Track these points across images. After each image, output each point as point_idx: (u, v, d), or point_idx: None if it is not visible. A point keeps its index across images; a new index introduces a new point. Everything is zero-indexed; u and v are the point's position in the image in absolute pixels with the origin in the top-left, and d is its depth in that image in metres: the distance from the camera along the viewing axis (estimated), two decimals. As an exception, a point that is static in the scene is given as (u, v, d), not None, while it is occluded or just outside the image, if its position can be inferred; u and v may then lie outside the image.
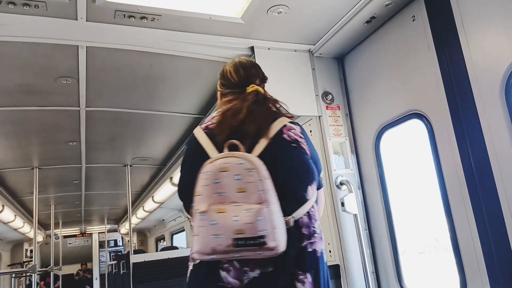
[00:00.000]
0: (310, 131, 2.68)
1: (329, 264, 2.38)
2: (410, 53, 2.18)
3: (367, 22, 2.31)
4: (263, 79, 1.60)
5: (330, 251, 2.50)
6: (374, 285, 2.33)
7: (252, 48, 2.52)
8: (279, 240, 1.15)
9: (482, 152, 1.79)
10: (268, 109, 1.45)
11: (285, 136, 1.35)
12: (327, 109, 2.59)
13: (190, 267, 1.30)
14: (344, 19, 2.30)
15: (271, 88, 2.46)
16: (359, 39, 2.50)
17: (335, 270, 2.41)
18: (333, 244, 2.46)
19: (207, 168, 1.21)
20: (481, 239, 1.80)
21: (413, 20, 2.14)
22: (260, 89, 1.52)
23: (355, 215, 2.38)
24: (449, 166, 1.96)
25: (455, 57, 1.92)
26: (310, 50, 2.64)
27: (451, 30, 1.93)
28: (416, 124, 2.17)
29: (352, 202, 2.39)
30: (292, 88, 2.57)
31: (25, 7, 1.97)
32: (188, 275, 1.30)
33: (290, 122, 1.41)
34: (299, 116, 2.68)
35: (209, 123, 1.39)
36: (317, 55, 2.65)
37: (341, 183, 2.47)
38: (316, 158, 1.41)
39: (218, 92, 1.56)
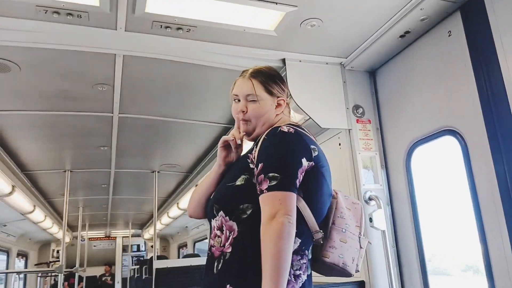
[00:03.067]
0: (339, 144, 2.67)
1: (354, 280, 2.37)
2: (445, 69, 2.14)
3: (401, 36, 2.29)
4: None
5: (356, 266, 2.46)
6: (401, 304, 2.28)
7: (283, 60, 2.54)
8: None
9: (520, 174, 1.73)
10: None
11: None
12: (357, 122, 2.57)
13: None
14: (377, 33, 2.29)
15: (302, 101, 2.49)
16: (392, 53, 2.48)
17: (360, 286, 2.37)
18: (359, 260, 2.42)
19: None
20: (517, 263, 1.73)
21: (449, 36, 2.11)
22: None
23: (383, 232, 2.33)
24: (484, 186, 1.90)
25: (493, 74, 1.87)
26: (342, 63, 2.64)
27: (489, 46, 1.88)
28: (449, 141, 2.12)
29: (381, 218, 2.35)
30: (323, 101, 2.57)
31: (68, 17, 2.05)
32: None
33: None
34: (329, 128, 2.68)
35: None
36: (348, 68, 2.64)
37: (370, 198, 2.43)
38: None
39: (285, 100, 1.53)
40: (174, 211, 7.61)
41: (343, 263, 1.35)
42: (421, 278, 2.23)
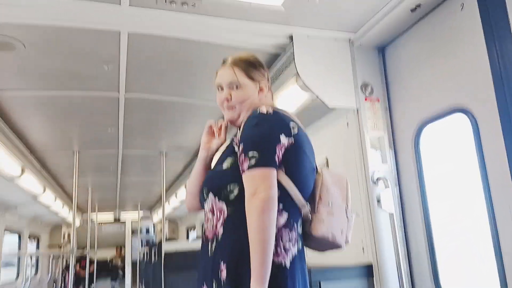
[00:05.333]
0: (347, 124, 2.62)
1: (362, 263, 2.35)
2: (457, 45, 2.08)
3: (412, 10, 2.20)
4: None
5: (363, 249, 2.44)
6: (408, 285, 2.26)
7: (291, 37, 2.48)
8: None
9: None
10: None
11: None
12: (365, 101, 2.52)
13: None
14: (388, 6, 2.21)
15: (309, 77, 2.44)
16: (403, 29, 2.40)
17: (368, 269, 2.36)
18: (367, 242, 2.40)
19: None
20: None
21: (461, 9, 2.03)
22: None
23: (390, 214, 2.31)
24: (495, 166, 1.86)
25: (507, 52, 1.81)
26: (350, 39, 2.57)
27: (503, 21, 1.82)
28: (459, 120, 2.07)
29: (389, 199, 2.33)
30: (331, 79, 2.52)
31: (71, -9, 2.02)
32: None
33: None
34: (336, 108, 2.63)
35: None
36: (357, 45, 2.57)
37: (378, 179, 2.40)
38: None
39: (267, 85, 1.57)
40: (182, 192, 7.64)
41: (332, 235, 1.41)
42: (429, 258, 2.20)
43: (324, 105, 2.50)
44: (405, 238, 2.37)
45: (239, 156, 1.33)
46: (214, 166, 1.47)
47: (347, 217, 1.49)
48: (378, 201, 2.36)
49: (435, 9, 2.20)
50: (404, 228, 2.38)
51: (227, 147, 1.47)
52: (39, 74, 2.99)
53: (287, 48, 2.57)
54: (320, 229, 1.39)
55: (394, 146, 2.51)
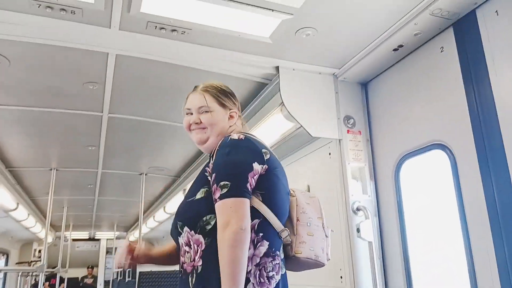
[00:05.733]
0: (329, 154, 2.67)
1: (339, 291, 2.36)
2: (437, 84, 2.16)
3: (395, 50, 2.30)
4: None
5: (341, 277, 2.45)
6: (386, 315, 2.27)
7: (277, 68, 2.54)
8: None
9: (507, 191, 1.74)
10: None
11: None
12: (348, 133, 2.58)
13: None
14: (371, 45, 2.31)
15: (294, 109, 2.49)
16: (385, 66, 2.50)
17: (346, 297, 2.36)
18: (345, 269, 2.42)
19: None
20: (501, 280, 1.73)
21: (441, 51, 2.13)
22: None
23: (369, 242, 2.33)
24: (472, 201, 1.91)
25: (484, 93, 1.89)
26: (335, 73, 2.65)
27: (481, 63, 1.91)
28: (439, 155, 2.13)
29: (368, 229, 2.36)
30: (314, 110, 2.57)
31: (62, 12, 2.03)
32: None
33: None
34: (319, 138, 2.68)
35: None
36: (341, 79, 2.66)
37: (358, 209, 2.43)
38: None
39: (237, 113, 1.60)
40: (160, 214, 7.52)
41: (315, 255, 1.43)
42: (406, 290, 2.22)
43: (308, 135, 2.54)
44: (383, 266, 2.39)
45: (212, 186, 1.33)
46: (186, 196, 1.45)
47: (325, 235, 1.51)
48: (358, 230, 2.38)
49: (416, 50, 2.30)
50: (383, 257, 2.41)
51: (199, 176, 1.45)
52: (22, 90, 2.94)
53: (273, 78, 2.62)
54: (304, 251, 1.40)
55: (375, 177, 2.56)
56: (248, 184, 1.30)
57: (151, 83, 2.87)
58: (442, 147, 2.10)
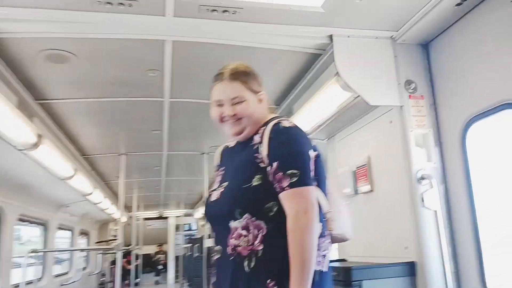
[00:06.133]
0: (391, 122, 2.60)
1: (404, 261, 2.33)
2: (506, 39, 2.00)
3: (458, 4, 2.15)
4: None
5: (406, 247, 2.42)
6: (454, 285, 2.21)
7: (330, 37, 2.48)
8: None
9: None
10: None
11: None
12: (409, 98, 2.48)
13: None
14: (431, 2, 2.17)
15: (350, 78, 2.44)
16: (447, 24, 2.34)
17: (411, 267, 2.33)
18: (410, 240, 2.38)
19: None
20: None
21: (511, 1, 1.96)
22: None
23: (435, 211, 2.27)
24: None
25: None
26: (393, 36, 2.54)
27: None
28: (509, 116, 2.00)
29: (433, 198, 2.29)
30: (372, 77, 2.50)
31: (120, 6, 2.13)
32: None
33: None
34: (379, 106, 2.61)
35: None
36: (400, 42, 2.53)
37: (422, 178, 2.36)
38: None
39: (265, 94, 1.55)
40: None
41: (343, 231, 1.51)
42: (476, 258, 2.15)
43: (366, 104, 2.49)
44: (451, 236, 2.32)
45: (274, 174, 1.33)
46: (234, 181, 1.43)
47: (346, 209, 1.57)
48: (422, 199, 2.33)
49: (482, 2, 2.13)
50: (450, 226, 2.33)
51: (244, 162, 1.45)
52: (89, 83, 3.16)
53: (327, 48, 2.58)
54: (335, 227, 1.47)
55: (440, 143, 2.46)
56: (312, 172, 1.35)
57: (208, 66, 2.90)
58: (515, 107, 1.97)
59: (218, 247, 1.44)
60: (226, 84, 1.48)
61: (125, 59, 2.80)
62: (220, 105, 1.49)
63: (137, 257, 11.40)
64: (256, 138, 1.45)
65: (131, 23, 2.29)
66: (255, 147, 1.43)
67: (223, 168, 1.57)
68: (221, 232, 1.43)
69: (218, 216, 1.44)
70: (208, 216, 1.53)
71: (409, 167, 2.40)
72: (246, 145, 1.48)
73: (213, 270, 1.48)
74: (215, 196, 1.46)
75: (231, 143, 1.63)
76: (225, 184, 1.45)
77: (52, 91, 3.20)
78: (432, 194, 2.28)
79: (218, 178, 1.54)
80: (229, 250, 1.38)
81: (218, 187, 1.49)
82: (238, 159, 1.50)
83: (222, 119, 1.49)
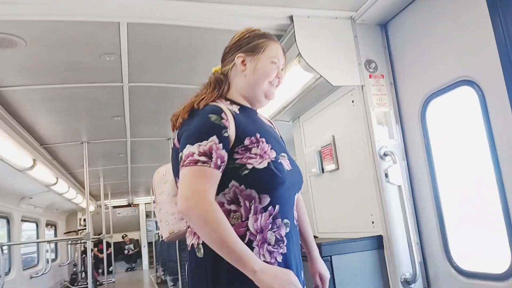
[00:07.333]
0: (352, 101, 2.62)
1: (371, 234, 2.40)
2: (460, 17, 2.04)
3: (414, -16, 2.17)
4: (221, 60, 1.62)
5: (373, 222, 2.48)
6: (418, 255, 2.30)
7: (291, 18, 2.45)
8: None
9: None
10: (194, 97, 1.48)
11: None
12: (370, 78, 2.50)
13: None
14: (389, -18, 2.18)
15: (312, 59, 2.43)
16: (404, 4, 2.35)
17: (378, 240, 2.41)
18: (376, 215, 2.44)
19: None
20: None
21: (466, -20, 1.99)
22: (213, 71, 1.58)
23: (399, 187, 2.33)
24: (503, 137, 1.85)
25: (511, 21, 1.77)
26: (352, 17, 2.53)
27: (507, -9, 1.78)
28: (466, 92, 2.05)
29: (397, 173, 2.34)
30: (334, 57, 2.49)
31: (68, -14, 2.01)
32: None
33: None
34: (341, 86, 2.62)
35: None
36: (359, 22, 2.53)
37: (385, 154, 2.41)
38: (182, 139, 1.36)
39: None
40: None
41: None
42: (438, 229, 2.23)
43: (329, 84, 2.49)
44: (415, 210, 2.40)
45: None
46: (287, 152, 1.46)
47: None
48: (386, 175, 2.38)
49: (436, -18, 2.15)
50: (414, 200, 2.41)
51: (278, 137, 1.53)
52: (42, 69, 3.00)
53: (288, 29, 2.54)
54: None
55: (400, 120, 2.51)
56: None
57: (167, 48, 2.86)
58: (470, 83, 2.01)
59: (285, 220, 1.36)
60: (283, 51, 1.53)
61: (78, 43, 2.67)
62: (275, 65, 1.49)
63: (108, 245, 11.25)
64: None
65: (81, 3, 2.17)
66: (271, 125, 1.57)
67: (257, 133, 1.39)
68: (290, 204, 1.40)
69: (295, 186, 1.43)
70: (285, 184, 1.36)
71: (372, 144, 2.44)
72: (255, 114, 1.52)
73: (282, 243, 1.35)
74: (286, 165, 1.38)
75: (231, 106, 1.44)
76: (284, 154, 1.41)
77: (1, 78, 3.02)
78: (395, 170, 2.33)
79: (265, 146, 1.37)
80: (295, 221, 1.42)
81: (279, 155, 1.38)
82: (269, 129, 1.50)
83: (273, 81, 1.49)
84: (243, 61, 1.49)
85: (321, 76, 2.47)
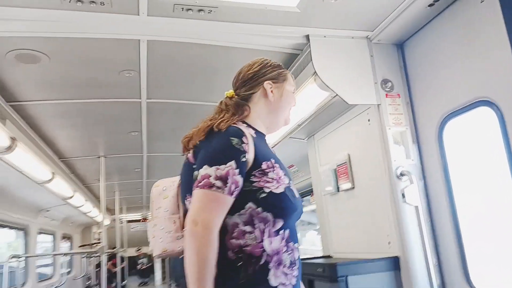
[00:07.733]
0: (369, 120, 2.61)
1: (387, 255, 2.35)
2: (478, 38, 2.03)
3: (430, 5, 2.17)
4: (236, 85, 1.62)
5: (389, 243, 2.43)
6: (437, 277, 2.24)
7: (307, 37, 2.48)
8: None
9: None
10: (208, 120, 1.47)
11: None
12: (386, 97, 2.49)
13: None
14: (405, 2, 2.18)
15: (328, 77, 2.44)
16: (421, 24, 2.37)
17: (395, 262, 2.36)
18: (393, 235, 2.40)
19: None
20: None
21: (481, 2, 1.99)
22: (227, 96, 1.58)
23: (416, 207, 2.29)
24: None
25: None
26: (368, 36, 2.55)
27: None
28: (484, 113, 2.03)
29: (414, 193, 2.31)
30: (350, 76, 2.50)
31: (91, 5, 2.07)
32: None
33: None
34: (357, 104, 2.62)
35: None
36: (375, 42, 2.55)
37: (402, 174, 2.38)
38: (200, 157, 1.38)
39: None
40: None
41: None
42: (458, 251, 2.18)
43: (344, 103, 2.49)
44: (432, 230, 2.35)
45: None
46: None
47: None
48: (403, 195, 2.35)
49: (453, 4, 2.15)
50: (431, 221, 2.36)
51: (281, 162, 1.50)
52: (63, 84, 3.08)
53: (304, 48, 2.57)
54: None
55: (417, 140, 2.48)
56: None
57: (185, 66, 2.91)
58: (488, 103, 1.99)
59: (296, 245, 1.40)
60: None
61: (99, 60, 2.74)
62: (293, 94, 1.63)
63: (122, 259, 11.28)
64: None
65: (103, 22, 2.23)
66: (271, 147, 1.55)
67: (272, 159, 1.41)
68: (295, 230, 1.43)
69: (300, 214, 1.45)
70: (299, 212, 1.42)
71: (388, 164, 2.42)
72: (265, 139, 1.56)
73: (294, 266, 1.37)
74: (296, 193, 1.43)
75: (248, 130, 1.45)
76: (292, 182, 1.45)
77: (24, 92, 3.11)
78: (412, 190, 2.30)
79: (280, 171, 1.39)
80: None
81: (289, 182, 1.42)
82: (275, 155, 1.51)
83: (291, 108, 1.61)
84: (270, 88, 1.55)
85: (337, 94, 2.47)
